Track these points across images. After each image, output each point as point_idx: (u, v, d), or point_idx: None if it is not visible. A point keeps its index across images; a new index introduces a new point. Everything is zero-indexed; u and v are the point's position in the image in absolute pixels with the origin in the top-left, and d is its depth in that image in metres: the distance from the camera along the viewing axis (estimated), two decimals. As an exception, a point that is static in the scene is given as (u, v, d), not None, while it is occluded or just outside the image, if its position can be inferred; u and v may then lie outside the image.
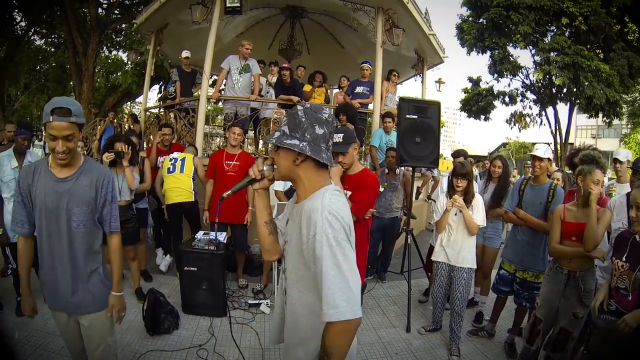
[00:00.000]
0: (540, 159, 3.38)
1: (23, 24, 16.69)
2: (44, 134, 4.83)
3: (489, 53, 16.59)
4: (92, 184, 1.94)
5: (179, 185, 4.60)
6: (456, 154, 5.32)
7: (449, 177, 5.15)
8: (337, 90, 7.76)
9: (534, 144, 4.57)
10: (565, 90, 15.66)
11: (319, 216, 1.29)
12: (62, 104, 1.76)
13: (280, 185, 4.63)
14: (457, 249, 3.47)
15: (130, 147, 4.00)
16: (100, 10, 14.50)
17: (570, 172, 3.99)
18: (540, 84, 17.11)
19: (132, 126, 7.85)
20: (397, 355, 3.43)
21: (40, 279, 2.02)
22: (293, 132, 1.37)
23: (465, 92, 19.68)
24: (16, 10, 15.98)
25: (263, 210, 1.58)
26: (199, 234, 4.18)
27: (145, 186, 4.44)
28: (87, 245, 1.97)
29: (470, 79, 19.80)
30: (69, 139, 1.78)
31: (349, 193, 2.96)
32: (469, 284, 3.51)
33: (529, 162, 3.78)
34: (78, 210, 1.91)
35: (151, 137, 7.34)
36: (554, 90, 16.68)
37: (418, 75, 8.94)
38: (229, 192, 1.52)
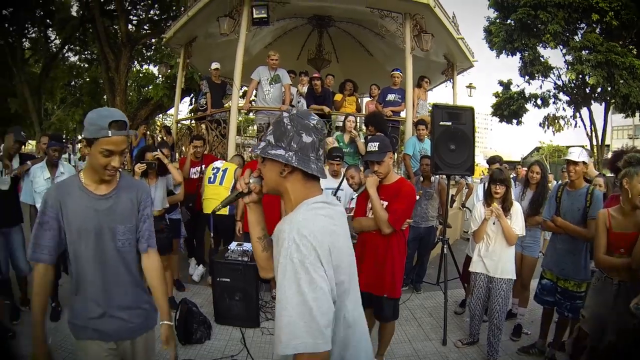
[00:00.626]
0: (575, 163, 3.25)
1: (57, 41, 17.61)
2: (78, 147, 4.95)
3: (518, 55, 16.22)
4: (133, 199, 1.85)
5: (217, 197, 4.60)
6: (491, 160, 5.17)
7: (483, 184, 5.03)
8: (368, 99, 7.68)
9: (568, 147, 4.38)
10: (599, 89, 15.15)
11: (286, 237, 1.16)
12: (119, 117, 1.65)
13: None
14: (496, 259, 3.35)
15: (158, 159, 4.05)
16: (130, 26, 15.06)
17: (611, 175, 3.80)
18: (573, 84, 16.58)
19: (164, 138, 7.99)
20: None
21: (75, 309, 1.82)
22: (279, 141, 1.27)
23: (496, 97, 19.26)
24: (50, 29, 16.81)
25: (256, 225, 1.48)
26: (232, 245, 4.18)
27: (177, 197, 4.47)
28: (134, 263, 1.90)
29: (500, 83, 19.39)
30: (123, 154, 1.71)
31: (386, 203, 2.89)
32: (508, 296, 3.39)
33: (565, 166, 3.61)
34: (122, 228, 1.79)
35: (183, 148, 7.45)
36: (587, 90, 16.15)
37: (448, 81, 8.78)
38: (219, 205, 1.49)
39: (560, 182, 3.72)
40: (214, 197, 4.62)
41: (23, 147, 4.03)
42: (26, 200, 3.68)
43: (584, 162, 3.27)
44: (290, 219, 1.22)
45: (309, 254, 1.13)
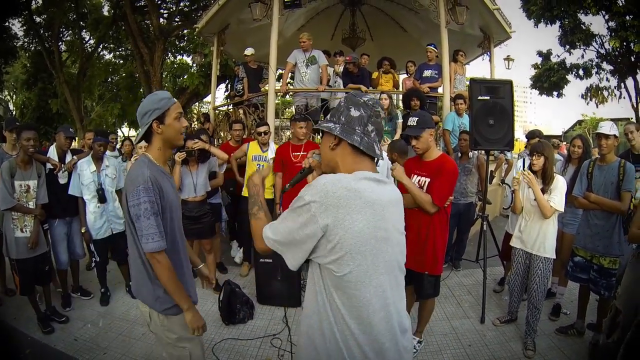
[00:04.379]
0: (607, 137, 3.18)
1: (92, 41, 18.38)
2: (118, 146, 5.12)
3: (558, 23, 15.54)
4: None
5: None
6: (531, 134, 5.00)
7: (522, 159, 4.90)
8: (405, 76, 7.59)
9: (612, 120, 4.18)
10: (645, 57, 14.23)
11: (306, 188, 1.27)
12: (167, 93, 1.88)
13: None
14: (534, 235, 3.27)
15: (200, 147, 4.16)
16: (161, 20, 15.36)
17: None
18: (617, 53, 15.73)
19: (203, 125, 8.20)
20: (470, 347, 3.33)
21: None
22: (332, 116, 1.37)
23: (535, 68, 18.58)
24: (84, 31, 17.49)
25: None
26: None
27: (218, 181, 4.58)
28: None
29: (539, 54, 18.62)
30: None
31: (428, 180, 2.89)
32: (547, 275, 3.30)
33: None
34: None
35: (222, 134, 7.62)
36: (632, 59, 15.24)
37: (485, 54, 8.47)
38: (288, 185, 1.55)
39: (591, 158, 3.59)
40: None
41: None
42: (74, 193, 3.89)
43: (615, 136, 3.21)
44: (326, 179, 1.26)
45: (315, 195, 1.21)
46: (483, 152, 4.53)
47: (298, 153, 4.44)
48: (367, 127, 1.31)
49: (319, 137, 8.17)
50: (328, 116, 1.38)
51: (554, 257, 3.30)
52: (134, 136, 10.01)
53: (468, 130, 4.46)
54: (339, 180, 1.22)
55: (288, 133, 8.11)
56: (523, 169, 3.43)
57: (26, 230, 3.43)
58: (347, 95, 1.36)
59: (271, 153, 4.71)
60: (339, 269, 1.20)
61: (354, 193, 1.20)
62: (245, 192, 4.71)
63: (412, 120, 2.91)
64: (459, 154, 4.97)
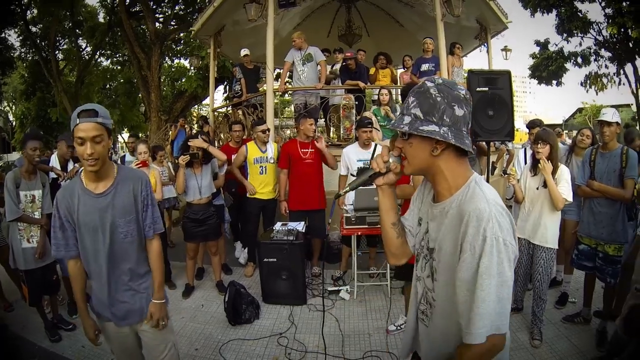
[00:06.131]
0: (609, 124, 3.17)
1: (89, 49, 18.47)
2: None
3: (554, 12, 15.41)
4: (130, 190, 1.90)
5: (264, 180, 4.70)
6: (531, 124, 4.96)
7: (524, 149, 4.86)
8: (402, 70, 7.57)
9: (612, 106, 4.16)
10: (644, 42, 14.13)
11: (485, 216, 1.06)
12: (88, 107, 1.73)
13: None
14: (537, 225, 3.25)
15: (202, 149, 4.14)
16: (157, 24, 15.37)
17: None
18: (615, 39, 15.63)
19: (202, 127, 8.20)
20: None
21: (92, 295, 2.04)
22: (428, 115, 1.13)
23: (533, 58, 18.48)
24: (81, 38, 17.53)
25: (390, 211, 1.37)
26: (277, 225, 4.26)
27: (218, 183, 4.57)
28: (137, 253, 1.98)
29: (537, 43, 18.52)
30: (96, 141, 1.71)
31: None
32: (550, 265, 3.27)
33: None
34: (123, 221, 1.88)
35: (222, 135, 7.62)
36: (630, 45, 15.05)
37: (482, 46, 8.49)
38: (347, 188, 1.35)
39: (592, 146, 3.57)
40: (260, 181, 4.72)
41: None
42: None
43: (617, 123, 3.19)
44: (484, 196, 1.12)
45: (509, 230, 1.08)
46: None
47: (307, 150, 4.45)
48: (469, 126, 1.18)
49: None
50: (418, 111, 1.15)
51: (557, 247, 3.28)
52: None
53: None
54: (495, 202, 1.11)
55: (288, 132, 8.15)
56: (531, 164, 3.39)
57: (33, 241, 3.41)
58: (438, 86, 1.14)
59: (271, 152, 4.71)
60: None
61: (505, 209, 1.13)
62: (250, 194, 4.70)
63: None
64: None
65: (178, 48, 17.69)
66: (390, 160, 1.26)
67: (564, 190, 3.12)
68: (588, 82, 17.66)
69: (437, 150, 1.15)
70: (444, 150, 1.16)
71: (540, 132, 3.36)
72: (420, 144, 1.17)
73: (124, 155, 5.13)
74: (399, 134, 1.23)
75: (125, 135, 25.32)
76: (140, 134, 16.77)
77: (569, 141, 8.28)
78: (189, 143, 4.10)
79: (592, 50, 16.76)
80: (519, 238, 3.37)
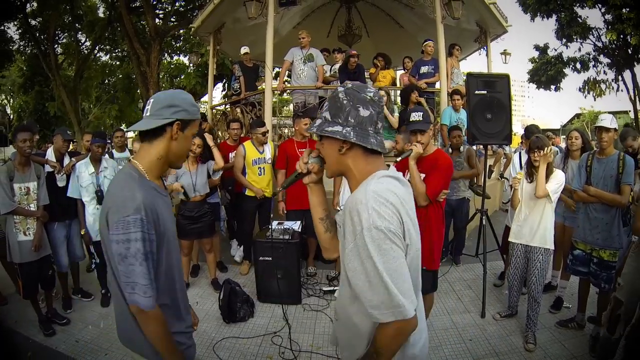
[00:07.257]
0: (607, 130, 3.17)
1: (88, 43, 18.40)
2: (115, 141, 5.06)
3: (554, 17, 15.48)
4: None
5: (263, 181, 4.68)
6: (529, 131, 4.98)
7: (519, 153, 4.87)
8: (402, 71, 7.59)
9: (610, 113, 4.18)
10: (642, 49, 14.22)
11: (363, 208, 1.12)
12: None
13: None
14: (535, 227, 3.26)
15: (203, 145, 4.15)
16: (157, 20, 15.32)
17: None
18: (614, 46, 15.74)
19: (201, 125, 8.18)
20: (471, 342, 3.33)
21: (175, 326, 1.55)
22: (335, 117, 1.23)
23: (532, 62, 18.56)
24: (80, 33, 17.45)
25: (317, 206, 1.46)
26: (274, 224, 4.24)
27: (214, 181, 4.56)
28: None
29: (536, 47, 18.57)
30: None
31: (423, 175, 2.90)
32: (546, 267, 3.29)
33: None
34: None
35: (220, 133, 7.61)
36: (629, 51, 15.18)
37: (482, 49, 8.50)
38: (280, 188, 1.48)
39: (588, 152, 3.59)
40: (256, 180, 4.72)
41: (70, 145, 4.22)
42: (73, 195, 3.88)
43: (615, 129, 3.20)
44: (364, 190, 1.18)
45: (392, 220, 1.13)
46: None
47: (303, 149, 4.42)
48: (378, 125, 1.25)
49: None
50: (327, 114, 1.25)
51: (553, 248, 3.30)
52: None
53: (466, 125, 4.45)
54: (381, 191, 1.16)
55: (286, 131, 8.13)
56: (528, 171, 3.41)
57: (29, 233, 3.41)
58: (346, 90, 1.24)
59: (268, 153, 4.71)
60: None
61: (395, 196, 1.18)
62: (249, 192, 4.68)
63: (418, 115, 2.89)
64: (450, 150, 4.93)
65: (177, 45, 17.71)
66: (309, 162, 1.36)
67: (551, 187, 3.14)
68: (586, 87, 17.77)
69: (343, 149, 1.24)
70: (350, 149, 1.24)
71: (534, 140, 3.34)
72: (330, 144, 1.27)
73: (112, 152, 5.08)
74: (317, 136, 1.32)
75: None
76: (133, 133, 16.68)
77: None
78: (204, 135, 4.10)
79: (591, 56, 16.89)
80: (514, 243, 3.42)
